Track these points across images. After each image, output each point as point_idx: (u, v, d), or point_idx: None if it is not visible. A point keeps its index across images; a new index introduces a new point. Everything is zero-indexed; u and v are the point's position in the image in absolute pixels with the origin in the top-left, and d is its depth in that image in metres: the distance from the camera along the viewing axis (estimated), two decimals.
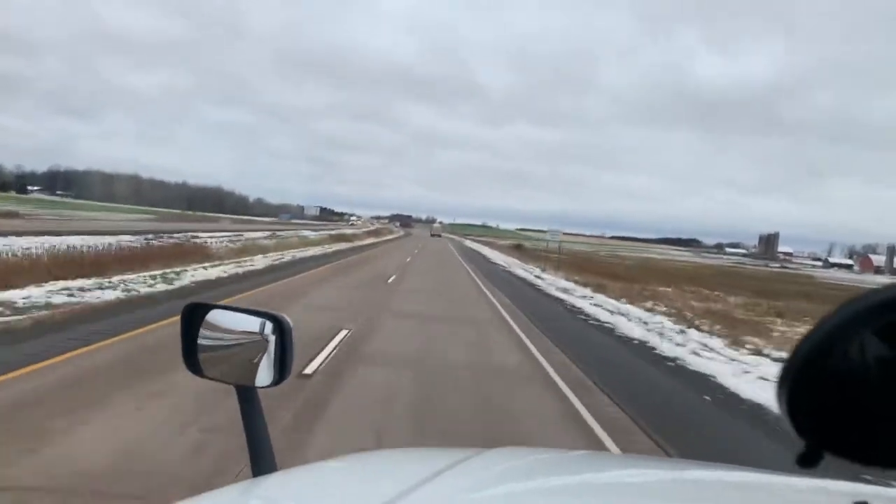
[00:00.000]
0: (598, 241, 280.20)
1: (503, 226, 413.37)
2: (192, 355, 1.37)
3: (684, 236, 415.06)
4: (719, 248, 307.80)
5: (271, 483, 1.13)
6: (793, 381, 0.54)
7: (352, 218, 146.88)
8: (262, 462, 1.30)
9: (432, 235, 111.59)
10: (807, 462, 0.56)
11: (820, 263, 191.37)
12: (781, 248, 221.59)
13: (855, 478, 1.21)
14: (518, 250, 65.75)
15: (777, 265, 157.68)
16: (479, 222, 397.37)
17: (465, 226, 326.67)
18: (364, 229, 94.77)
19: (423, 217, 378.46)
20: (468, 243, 79.87)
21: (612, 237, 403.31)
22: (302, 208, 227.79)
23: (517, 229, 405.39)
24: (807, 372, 0.54)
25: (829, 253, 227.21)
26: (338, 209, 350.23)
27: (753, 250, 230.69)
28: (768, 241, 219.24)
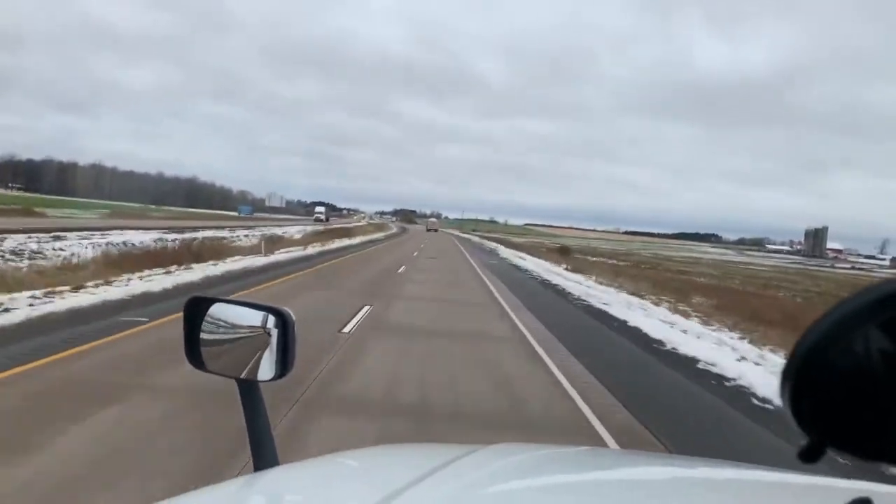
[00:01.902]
0: (617, 238, 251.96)
1: (511, 221, 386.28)
2: (194, 349, 1.33)
3: (701, 231, 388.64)
4: (746, 243, 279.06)
5: (272, 477, 1.13)
6: (796, 375, 0.53)
7: (317, 209, 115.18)
8: (263, 456, 1.27)
9: (428, 230, 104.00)
10: (809, 457, 0.54)
11: (886, 262, 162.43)
12: (830, 245, 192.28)
13: (858, 473, 1.18)
14: (569, 258, 38.22)
15: (847, 266, 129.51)
16: (486, 217, 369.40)
17: (473, 221, 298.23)
18: (333, 226, 66.19)
19: (428, 212, 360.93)
20: (504, 253, 43.75)
21: (627, 232, 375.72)
22: (263, 200, 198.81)
23: (525, 224, 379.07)
24: (810, 366, 0.53)
25: (883, 249, 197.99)
26: (341, 205, 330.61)
27: (798, 247, 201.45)
28: (816, 238, 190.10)
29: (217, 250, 19.88)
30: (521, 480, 1.15)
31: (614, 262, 52.35)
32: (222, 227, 36.01)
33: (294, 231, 39.92)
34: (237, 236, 28.46)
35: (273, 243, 25.95)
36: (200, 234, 25.90)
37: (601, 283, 19.44)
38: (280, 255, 21.39)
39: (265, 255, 20.56)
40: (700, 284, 28.20)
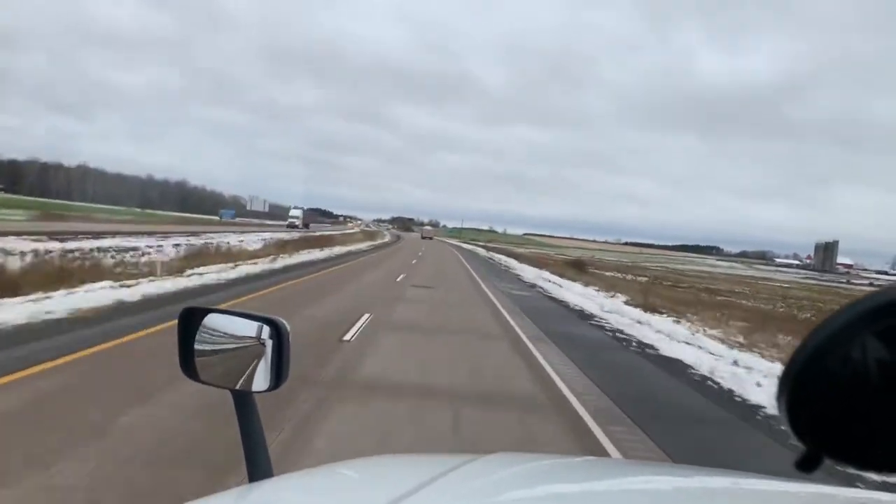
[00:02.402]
0: (619, 250, 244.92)
1: (510, 230, 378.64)
2: (188, 360, 1.31)
3: (701, 243, 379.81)
4: (749, 256, 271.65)
5: (267, 489, 1.10)
6: (793, 384, 0.53)
7: (292, 212, 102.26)
8: (258, 467, 1.25)
9: (423, 238, 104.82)
10: (807, 466, 0.54)
11: None
12: (840, 260, 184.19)
13: (855, 482, 1.24)
14: (604, 280, 30.58)
15: (864, 282, 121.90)
16: (485, 227, 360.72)
17: (473, 230, 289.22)
18: (315, 233, 58.58)
19: (426, 220, 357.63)
20: (526, 273, 32.22)
21: (627, 244, 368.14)
22: (244, 205, 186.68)
23: (524, 234, 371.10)
24: (808, 375, 0.52)
25: (895, 265, 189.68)
26: (339, 212, 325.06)
27: (808, 261, 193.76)
28: (826, 252, 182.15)
29: (77, 272, 12.30)
30: (520, 490, 1.11)
31: (631, 277, 45.26)
32: (153, 234, 28.27)
33: (256, 239, 32.28)
34: (158, 247, 20.85)
35: (200, 258, 18.37)
36: (93, 244, 18.24)
37: (714, 337, 11.28)
38: (184, 280, 13.77)
39: (153, 281, 12.95)
40: (764, 314, 21.06)
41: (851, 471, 0.54)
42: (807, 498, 1.14)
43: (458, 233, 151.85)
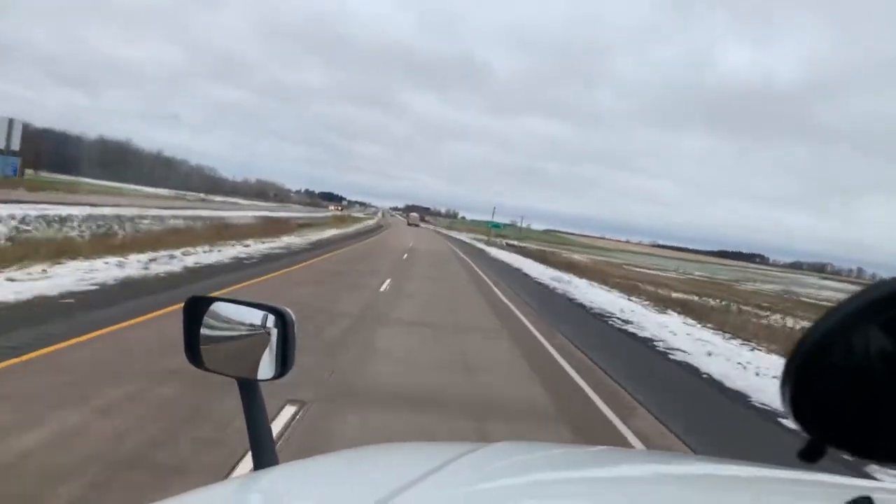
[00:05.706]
0: (658, 254, 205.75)
1: (534, 226, 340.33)
2: (194, 348, 1.30)
3: (744, 250, 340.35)
4: (804, 268, 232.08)
5: (272, 477, 1.09)
6: (796, 375, 0.52)
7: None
8: (263, 456, 1.24)
9: (409, 224, 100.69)
10: (810, 456, 0.53)
11: None
12: None
13: (858, 472, 1.15)
14: None
15: None
16: (507, 221, 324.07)
17: (495, 225, 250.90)
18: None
19: (442, 210, 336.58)
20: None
21: (660, 246, 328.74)
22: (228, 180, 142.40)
23: (546, 230, 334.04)
24: (811, 365, 0.52)
25: None
26: (353, 197, 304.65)
27: None
28: None
29: None
30: (522, 478, 1.10)
31: None
32: None
33: None
34: None
35: None
36: None
37: None
38: None
39: None
40: None
41: (856, 460, 0.52)
42: (810, 486, 1.12)
43: (480, 226, 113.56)
